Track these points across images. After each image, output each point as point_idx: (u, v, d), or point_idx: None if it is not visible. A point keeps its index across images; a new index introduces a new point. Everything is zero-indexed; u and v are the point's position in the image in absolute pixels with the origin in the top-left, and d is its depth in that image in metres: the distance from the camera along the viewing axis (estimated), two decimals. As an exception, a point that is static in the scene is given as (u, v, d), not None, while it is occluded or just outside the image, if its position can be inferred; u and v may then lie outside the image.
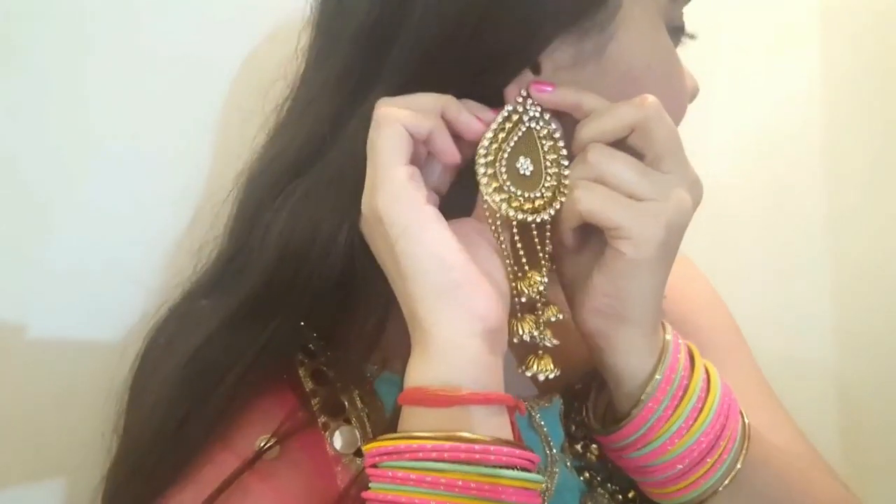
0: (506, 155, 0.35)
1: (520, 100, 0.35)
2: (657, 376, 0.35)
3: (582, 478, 0.41)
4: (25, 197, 0.44)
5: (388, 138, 0.32)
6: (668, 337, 0.37)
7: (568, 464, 0.41)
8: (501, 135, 0.35)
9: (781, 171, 0.86)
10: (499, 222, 0.35)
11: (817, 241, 0.90)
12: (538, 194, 0.35)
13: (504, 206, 0.34)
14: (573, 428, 0.42)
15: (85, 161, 0.46)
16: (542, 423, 0.40)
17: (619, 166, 0.33)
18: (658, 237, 0.33)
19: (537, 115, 0.35)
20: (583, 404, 0.42)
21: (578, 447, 0.41)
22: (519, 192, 0.35)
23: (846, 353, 0.90)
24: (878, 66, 0.85)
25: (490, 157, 0.35)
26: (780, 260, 0.87)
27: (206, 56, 0.48)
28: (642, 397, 0.35)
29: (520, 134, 0.35)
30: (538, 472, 0.33)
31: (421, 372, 0.31)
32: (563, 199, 0.35)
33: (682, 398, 0.35)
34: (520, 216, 0.34)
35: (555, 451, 0.40)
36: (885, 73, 0.85)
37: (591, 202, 0.33)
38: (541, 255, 0.36)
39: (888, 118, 0.86)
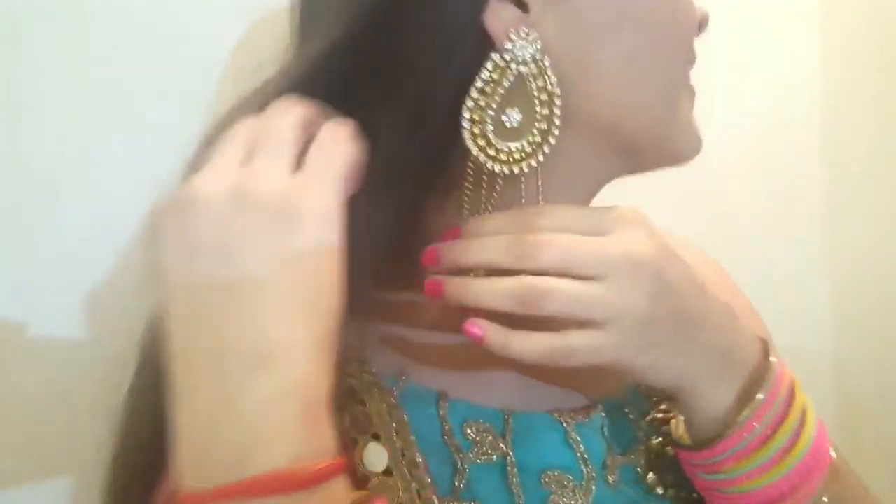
0: (494, 106, 0.33)
1: (508, 45, 0.32)
2: (759, 395, 0.34)
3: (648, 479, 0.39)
4: (25, 193, 0.44)
5: None
6: (773, 360, 0.36)
7: (611, 479, 0.37)
8: (489, 87, 0.33)
9: (780, 159, 0.86)
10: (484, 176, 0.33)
11: (816, 229, 0.90)
12: (518, 146, 0.33)
13: (482, 155, 0.33)
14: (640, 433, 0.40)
15: (85, 158, 0.46)
16: (579, 438, 0.37)
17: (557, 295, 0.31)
18: (635, 318, 0.32)
19: (528, 57, 0.33)
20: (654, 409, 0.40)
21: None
22: (501, 145, 0.33)
23: (844, 343, 0.91)
24: (878, 54, 0.85)
25: (476, 115, 0.33)
26: (777, 249, 0.87)
27: (207, 46, 0.48)
28: (738, 419, 0.34)
29: (510, 81, 0.33)
30: (571, 490, 0.33)
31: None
32: (547, 150, 0.33)
33: (776, 430, 0.34)
34: (497, 167, 0.33)
35: (591, 467, 0.37)
36: (885, 62, 0.85)
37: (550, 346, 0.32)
38: None
39: (888, 107, 0.86)
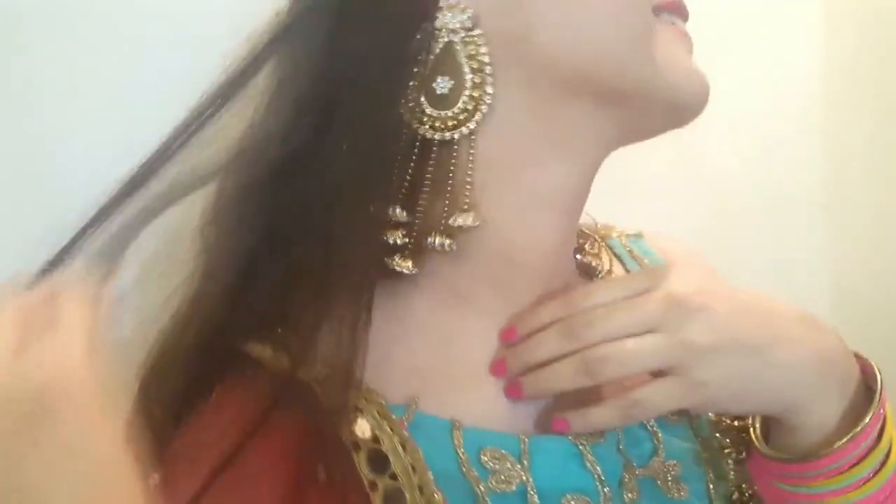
0: (425, 73, 0.33)
1: (439, 15, 0.33)
2: (866, 419, 0.34)
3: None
4: (26, 191, 0.44)
5: None
6: (880, 376, 0.36)
7: (628, 497, 0.36)
8: (421, 56, 0.33)
9: (780, 160, 0.86)
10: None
11: (816, 230, 0.90)
12: (451, 113, 0.33)
13: (414, 122, 0.33)
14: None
15: (83, 153, 0.46)
16: (595, 459, 0.36)
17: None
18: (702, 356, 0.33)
19: (457, 26, 0.33)
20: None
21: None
22: (430, 111, 0.33)
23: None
24: (880, 53, 0.85)
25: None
26: (777, 249, 0.87)
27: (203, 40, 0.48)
28: (852, 433, 0.33)
29: (438, 49, 0.33)
30: None
31: None
32: (479, 119, 0.33)
33: (872, 449, 0.34)
34: (429, 134, 0.34)
35: (609, 488, 0.36)
36: (887, 59, 0.84)
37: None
38: (449, 184, 0.34)
39: (889, 104, 0.86)
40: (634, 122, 0.36)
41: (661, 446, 0.38)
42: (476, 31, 0.33)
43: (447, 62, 0.33)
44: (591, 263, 0.42)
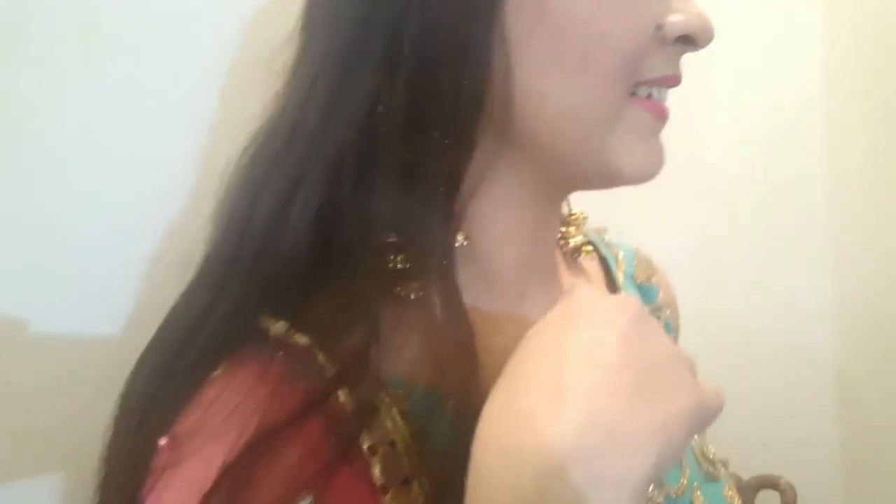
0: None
1: None
2: None
3: None
4: (26, 193, 0.44)
5: None
6: None
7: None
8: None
9: (781, 158, 0.85)
10: None
11: (817, 229, 0.89)
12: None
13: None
14: None
15: (83, 156, 0.45)
16: None
17: None
18: None
19: None
20: None
21: None
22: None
23: (845, 343, 0.90)
24: (877, 53, 0.85)
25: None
26: (778, 248, 0.87)
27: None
28: None
29: None
30: None
31: None
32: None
33: None
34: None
35: None
36: (885, 59, 0.84)
37: None
38: None
39: (887, 103, 0.86)
40: (569, 179, 0.37)
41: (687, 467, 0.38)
42: None
43: None
44: (576, 246, 0.43)
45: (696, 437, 0.42)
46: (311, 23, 0.36)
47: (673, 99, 0.36)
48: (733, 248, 0.85)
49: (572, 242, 0.42)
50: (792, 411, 0.90)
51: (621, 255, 0.48)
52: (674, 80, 0.35)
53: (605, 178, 0.34)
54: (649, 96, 0.34)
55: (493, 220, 0.35)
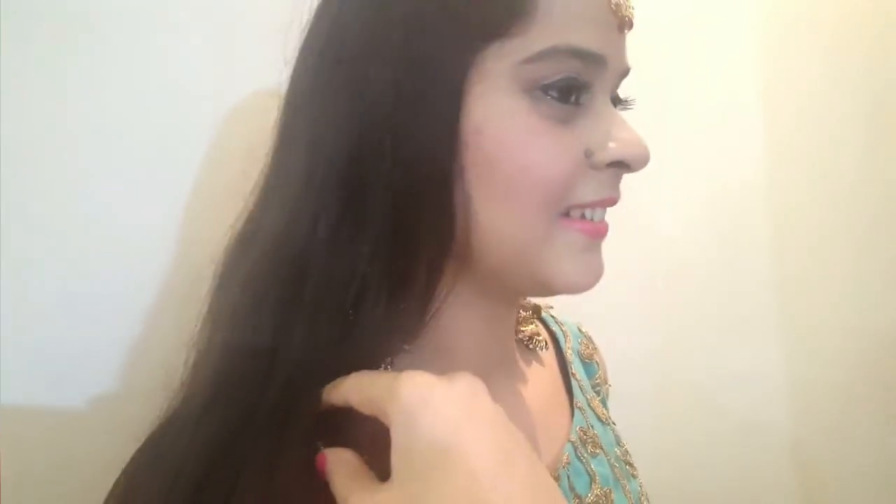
0: None
1: None
2: None
3: None
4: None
5: None
6: None
7: None
8: None
9: (729, 230, 0.88)
10: None
11: (770, 301, 0.91)
12: None
13: None
14: None
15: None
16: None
17: None
18: None
19: None
20: None
21: None
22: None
23: (801, 413, 0.91)
24: (822, 138, 0.89)
25: None
26: (730, 321, 0.89)
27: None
28: None
29: None
30: None
31: None
32: None
33: None
34: None
35: None
36: (828, 148, 0.89)
37: None
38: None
39: (834, 176, 0.90)
40: (522, 294, 0.43)
41: (597, 475, 0.41)
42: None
43: None
44: (529, 335, 0.47)
45: (615, 444, 0.46)
46: (284, 144, 0.38)
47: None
48: (695, 336, 0.87)
49: (528, 331, 0.47)
50: (753, 479, 0.90)
51: (567, 331, 0.52)
52: (610, 202, 0.36)
53: (542, 289, 0.37)
54: (582, 216, 0.36)
55: (456, 319, 0.38)
